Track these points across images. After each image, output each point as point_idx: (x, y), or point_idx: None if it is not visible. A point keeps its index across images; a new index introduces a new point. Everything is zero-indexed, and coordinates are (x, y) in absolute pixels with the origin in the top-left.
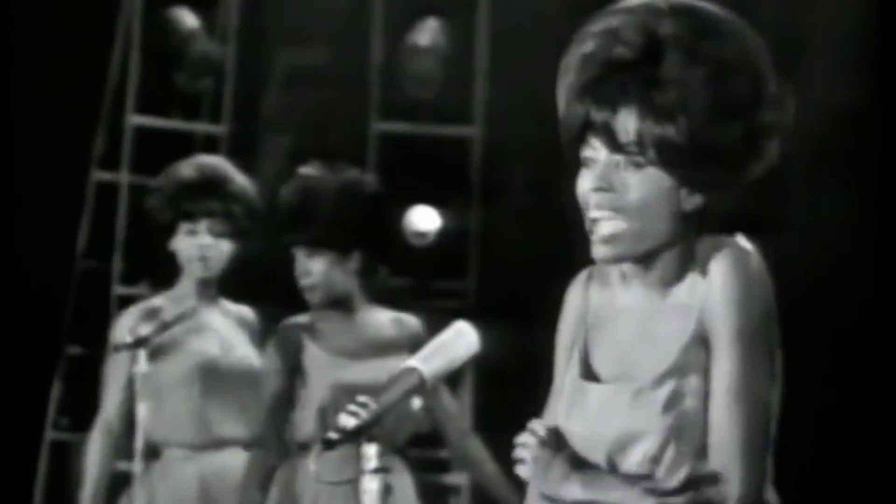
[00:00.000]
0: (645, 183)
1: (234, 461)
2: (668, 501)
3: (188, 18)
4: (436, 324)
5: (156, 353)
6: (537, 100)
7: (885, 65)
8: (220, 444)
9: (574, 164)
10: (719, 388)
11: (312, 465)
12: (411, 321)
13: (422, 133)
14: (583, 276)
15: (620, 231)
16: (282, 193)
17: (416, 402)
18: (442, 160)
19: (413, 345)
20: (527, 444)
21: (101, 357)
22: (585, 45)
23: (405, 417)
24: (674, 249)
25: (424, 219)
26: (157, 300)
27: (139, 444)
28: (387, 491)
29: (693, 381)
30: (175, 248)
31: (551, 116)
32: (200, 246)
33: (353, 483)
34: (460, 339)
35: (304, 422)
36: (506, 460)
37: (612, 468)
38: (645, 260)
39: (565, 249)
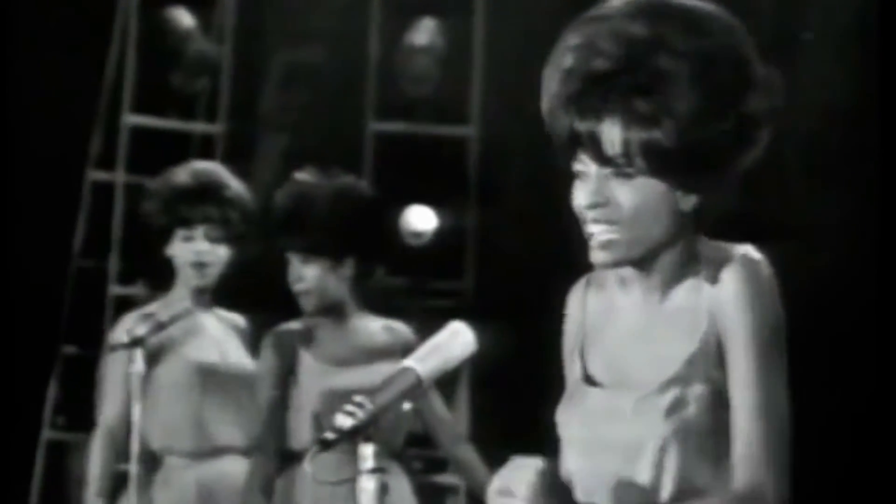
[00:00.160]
0: (639, 192)
1: (233, 468)
2: None
3: (184, 18)
4: (432, 324)
5: (153, 359)
6: (534, 99)
7: (885, 63)
8: (218, 451)
9: (569, 176)
10: (747, 401)
11: (308, 465)
12: (403, 329)
13: (419, 133)
14: (582, 281)
15: (618, 238)
16: (276, 199)
17: (406, 404)
18: (439, 160)
19: (405, 352)
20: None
21: (98, 357)
22: (564, 59)
23: (401, 419)
24: (673, 250)
25: (421, 218)
26: (153, 306)
27: (135, 445)
28: (383, 491)
29: (697, 389)
30: (171, 254)
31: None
32: (197, 252)
33: (350, 483)
34: (456, 340)
35: (298, 428)
36: (501, 461)
37: (614, 475)
38: (644, 263)
39: (562, 249)
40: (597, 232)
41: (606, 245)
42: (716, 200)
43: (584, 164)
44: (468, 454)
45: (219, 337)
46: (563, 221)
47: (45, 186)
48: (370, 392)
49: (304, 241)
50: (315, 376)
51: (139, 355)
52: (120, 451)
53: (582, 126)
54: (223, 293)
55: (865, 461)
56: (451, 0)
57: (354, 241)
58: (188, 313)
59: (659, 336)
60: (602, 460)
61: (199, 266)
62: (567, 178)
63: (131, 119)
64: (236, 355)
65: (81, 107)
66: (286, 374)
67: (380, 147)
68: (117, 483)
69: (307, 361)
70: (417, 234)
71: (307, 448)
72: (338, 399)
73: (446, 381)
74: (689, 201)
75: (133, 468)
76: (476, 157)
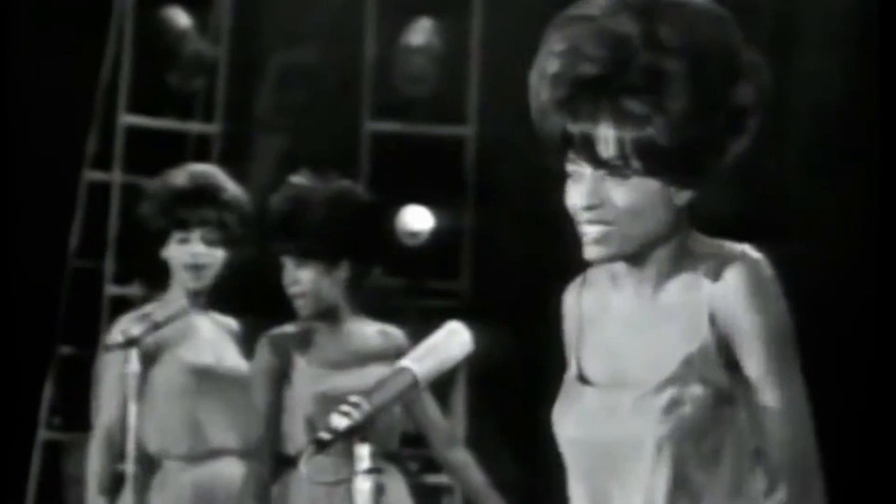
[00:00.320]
0: (634, 192)
1: (229, 470)
2: None
3: (181, 18)
4: (429, 324)
5: (149, 361)
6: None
7: (885, 61)
8: (214, 453)
9: (561, 176)
10: (778, 408)
11: (303, 466)
12: (397, 333)
13: (415, 132)
14: (577, 281)
15: (612, 234)
16: (271, 202)
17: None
18: (435, 160)
19: (398, 356)
20: None
21: (94, 357)
22: (550, 64)
23: (395, 419)
24: (667, 245)
25: (418, 218)
26: (148, 308)
27: (130, 446)
28: (379, 491)
29: (695, 390)
30: (167, 256)
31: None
32: (193, 254)
33: (346, 484)
34: (453, 340)
35: (292, 432)
36: (496, 461)
37: (608, 476)
38: (637, 258)
39: (559, 249)
40: (592, 231)
41: (600, 240)
42: (707, 192)
43: (578, 165)
44: (461, 457)
45: (214, 339)
46: (560, 221)
47: (41, 186)
48: (365, 393)
49: (300, 245)
50: (309, 380)
51: (134, 355)
52: (119, 451)
53: (575, 129)
54: (219, 296)
55: (865, 463)
56: (448, 0)
57: (349, 245)
58: (184, 313)
59: (653, 333)
60: (597, 459)
61: (195, 268)
62: (564, 179)
63: (128, 119)
64: (231, 358)
65: (78, 107)
66: (280, 378)
67: (376, 147)
68: (117, 483)
69: (301, 365)
70: (414, 234)
71: (301, 452)
72: (331, 402)
73: (443, 382)
74: (682, 196)
75: (129, 468)
76: (473, 157)
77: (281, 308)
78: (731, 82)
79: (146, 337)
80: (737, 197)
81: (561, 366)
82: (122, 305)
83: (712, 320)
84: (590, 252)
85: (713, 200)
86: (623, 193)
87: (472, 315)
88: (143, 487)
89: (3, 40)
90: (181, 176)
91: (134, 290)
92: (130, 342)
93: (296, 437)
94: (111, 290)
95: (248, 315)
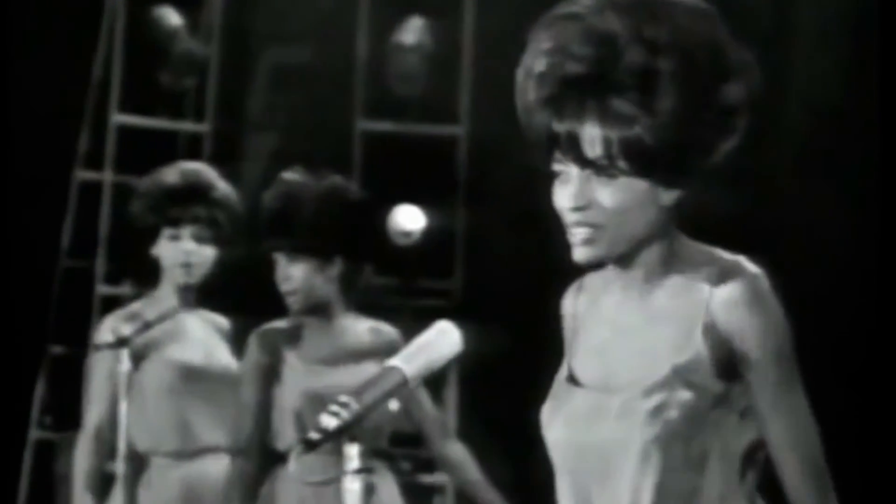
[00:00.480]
0: (621, 192)
1: (218, 468)
2: None
3: (172, 17)
4: (421, 323)
5: (138, 359)
6: None
7: (884, 61)
8: (203, 451)
9: (548, 176)
10: (789, 431)
11: (292, 465)
12: (389, 330)
13: (407, 132)
14: (574, 285)
15: (599, 235)
16: (263, 198)
17: (393, 404)
18: (427, 159)
19: (389, 354)
20: None
21: (84, 356)
22: (536, 63)
23: (384, 418)
24: (654, 247)
25: (409, 218)
26: (138, 305)
27: (122, 445)
28: (369, 491)
29: (684, 395)
30: (158, 254)
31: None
32: (184, 252)
33: (335, 483)
34: (443, 339)
35: (282, 428)
36: (486, 460)
37: (595, 478)
38: (625, 259)
39: (550, 249)
40: (579, 232)
41: (588, 242)
42: (696, 193)
43: (564, 165)
44: (457, 451)
45: (203, 337)
46: (552, 221)
47: (32, 185)
48: (356, 388)
49: (291, 241)
50: (299, 376)
51: (125, 355)
52: (107, 450)
53: (560, 128)
54: (210, 293)
55: (865, 468)
56: None
57: (341, 241)
58: (174, 312)
59: (642, 336)
60: (584, 461)
61: (186, 266)
62: (554, 179)
63: (119, 118)
64: (221, 356)
65: (69, 106)
66: (270, 375)
67: (368, 146)
68: (105, 483)
69: (292, 361)
70: (406, 234)
71: (290, 448)
72: (321, 399)
73: (434, 380)
74: (670, 196)
75: (120, 467)
76: (465, 156)
77: (272, 305)
78: (720, 81)
79: (137, 337)
80: (735, 198)
81: (552, 366)
82: (114, 305)
83: (708, 331)
84: (578, 254)
85: (710, 202)
86: (610, 194)
87: (464, 314)
88: (132, 486)
89: None
90: (172, 174)
91: (125, 289)
92: (121, 342)
93: (285, 433)
94: (102, 289)
95: (240, 312)
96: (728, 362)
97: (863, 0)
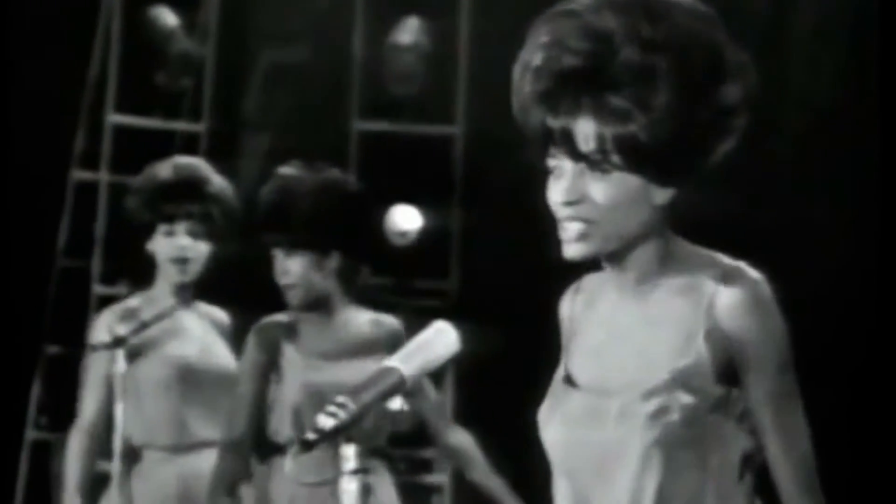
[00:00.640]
0: (614, 187)
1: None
2: None
3: (168, 17)
4: (417, 324)
5: (134, 356)
6: None
7: (884, 63)
8: (199, 445)
9: (543, 172)
10: (786, 441)
11: (289, 466)
12: (391, 322)
13: (403, 132)
14: (572, 287)
15: (591, 231)
16: (261, 193)
17: (400, 404)
18: (423, 159)
19: (391, 345)
20: None
21: (81, 356)
22: (533, 57)
23: (383, 418)
24: (647, 246)
25: (406, 218)
26: (134, 301)
27: (117, 444)
28: (366, 492)
29: (684, 398)
30: (152, 249)
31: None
32: (178, 247)
33: (332, 484)
34: (440, 339)
35: (280, 423)
36: (487, 459)
37: (592, 479)
38: (617, 258)
39: (547, 249)
40: (571, 228)
41: (580, 238)
42: (690, 193)
43: (558, 160)
44: (463, 440)
45: (200, 333)
46: (549, 221)
47: (29, 185)
48: (353, 388)
49: (288, 236)
50: (299, 370)
51: (121, 355)
52: (98, 448)
53: (555, 123)
54: (209, 288)
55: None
56: None
57: (339, 234)
58: (171, 312)
59: (639, 339)
60: (581, 462)
61: (180, 262)
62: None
63: (115, 118)
64: (218, 352)
65: (65, 106)
66: (268, 370)
67: (364, 146)
68: (95, 481)
69: (292, 355)
70: (402, 234)
71: (287, 442)
72: (322, 394)
73: (431, 380)
74: (664, 194)
75: (115, 467)
76: (461, 156)
77: (273, 300)
78: (716, 81)
79: (133, 337)
80: (733, 198)
81: (549, 366)
82: (110, 305)
83: (710, 336)
84: (569, 250)
85: (709, 202)
86: (603, 189)
87: (461, 314)
88: (125, 478)
89: None
90: (166, 169)
91: (121, 289)
92: (117, 342)
93: (284, 427)
94: (98, 289)
95: (240, 306)
96: (729, 367)
97: (862, 0)
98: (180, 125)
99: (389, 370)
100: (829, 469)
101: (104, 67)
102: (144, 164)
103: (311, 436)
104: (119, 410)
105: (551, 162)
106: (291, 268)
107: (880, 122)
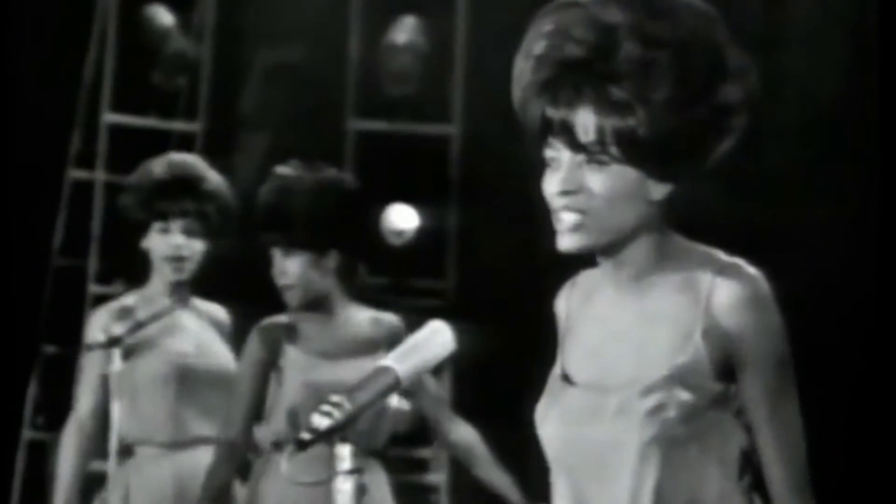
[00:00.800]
0: (610, 179)
1: (209, 459)
2: None
3: (164, 16)
4: (414, 323)
5: (130, 353)
6: None
7: (884, 63)
8: (195, 442)
9: (540, 164)
10: (780, 439)
11: (284, 465)
12: (391, 320)
13: (400, 131)
14: (568, 284)
15: (586, 223)
16: (259, 193)
17: (400, 402)
18: (420, 158)
19: (392, 344)
20: None
21: (77, 356)
22: (536, 45)
23: (383, 417)
24: (642, 242)
25: (402, 217)
26: (129, 299)
27: (113, 443)
28: (361, 492)
29: (682, 396)
30: (147, 247)
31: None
32: (173, 245)
33: (326, 484)
34: (436, 338)
35: (278, 421)
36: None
37: (590, 476)
38: (612, 252)
39: (544, 248)
40: (566, 219)
41: (574, 230)
42: (688, 190)
43: (556, 151)
44: (467, 433)
45: (196, 331)
46: (545, 220)
47: (25, 185)
48: (348, 388)
49: (286, 236)
50: (300, 370)
51: (117, 355)
52: (92, 447)
53: (555, 114)
54: (208, 286)
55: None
56: None
57: (337, 233)
58: (167, 311)
59: (637, 336)
60: (579, 459)
61: (176, 260)
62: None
63: (111, 118)
64: (214, 349)
65: (61, 105)
66: (268, 370)
67: (361, 145)
68: (90, 482)
69: (293, 355)
70: (399, 233)
71: (284, 441)
72: (322, 393)
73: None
74: (661, 189)
75: (112, 467)
76: (458, 155)
77: (273, 298)
78: (716, 79)
79: (129, 336)
80: (733, 198)
81: (545, 364)
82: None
83: (708, 333)
84: (563, 242)
85: (709, 201)
86: (600, 181)
87: (458, 314)
88: (124, 477)
89: None
90: (160, 166)
91: (116, 288)
92: (113, 341)
93: (280, 427)
94: (94, 288)
95: (240, 305)
96: (727, 364)
97: (862, 0)
98: (176, 125)
99: (385, 370)
100: (828, 468)
101: (100, 66)
102: (140, 163)
103: (305, 435)
104: (115, 410)
105: (549, 153)
106: (290, 268)
107: (880, 122)
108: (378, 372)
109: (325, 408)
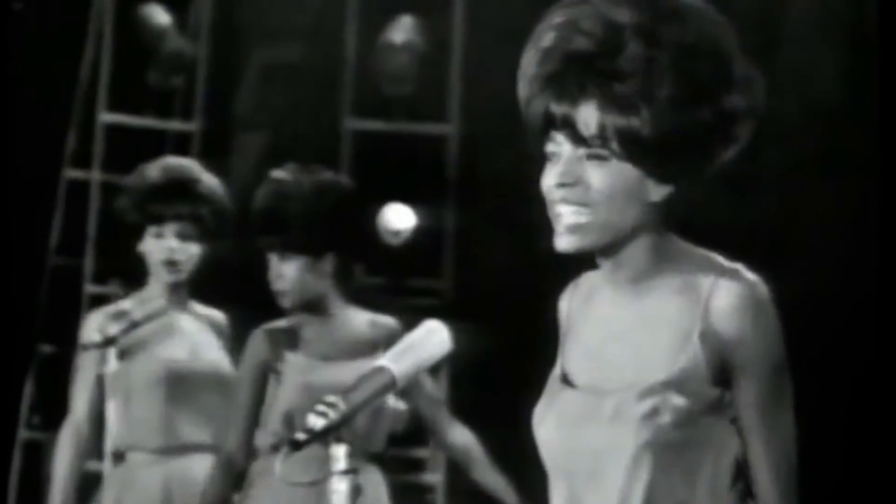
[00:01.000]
0: (610, 175)
1: (200, 466)
2: None
3: (160, 15)
4: (411, 323)
5: (125, 355)
6: (513, 97)
7: (884, 63)
8: (185, 449)
9: (540, 159)
10: (770, 446)
11: (279, 466)
12: (389, 322)
13: (397, 131)
14: (572, 284)
15: (585, 222)
16: (254, 197)
17: (396, 403)
18: (417, 158)
19: (389, 346)
20: None
21: (73, 356)
22: (545, 38)
23: (380, 420)
24: (641, 243)
25: (399, 217)
26: (127, 303)
27: (109, 443)
28: (356, 492)
29: (678, 400)
30: (143, 251)
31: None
32: (167, 249)
33: (321, 484)
34: (432, 338)
35: (275, 423)
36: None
37: (586, 480)
38: (611, 253)
39: (541, 248)
40: (564, 213)
41: (573, 230)
42: (688, 194)
43: (557, 145)
44: (464, 436)
45: (191, 335)
46: (542, 220)
47: (21, 184)
48: (343, 392)
49: (281, 240)
50: (298, 372)
51: (112, 355)
52: (88, 448)
53: (558, 109)
54: (205, 289)
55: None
56: None
57: (333, 237)
58: (162, 312)
59: (635, 339)
60: (575, 462)
61: (170, 263)
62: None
63: (107, 117)
64: (209, 354)
65: (57, 105)
66: (269, 374)
67: (357, 145)
68: (86, 483)
69: (292, 359)
70: (396, 233)
71: (280, 442)
72: (315, 394)
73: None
74: (661, 191)
75: (106, 467)
76: (454, 155)
77: (271, 301)
78: (721, 85)
79: (124, 336)
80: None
81: (542, 365)
82: (102, 304)
83: (705, 337)
84: (561, 242)
85: (709, 203)
86: (599, 175)
87: (454, 313)
88: (114, 485)
89: None
90: (155, 170)
91: (113, 288)
92: (108, 341)
93: (277, 428)
94: (90, 288)
95: (237, 308)
96: (723, 369)
97: (862, 0)
98: (173, 124)
99: (380, 370)
100: (827, 470)
101: (96, 66)
102: (136, 162)
103: (301, 436)
104: (110, 410)
105: (550, 147)
106: (286, 272)
107: (880, 121)
108: (374, 372)
109: (321, 408)
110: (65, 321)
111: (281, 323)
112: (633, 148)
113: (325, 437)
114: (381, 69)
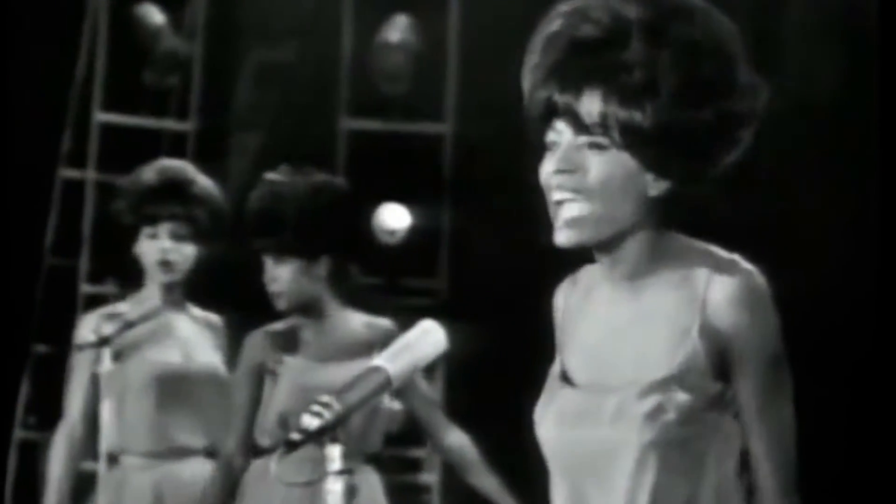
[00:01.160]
0: (609, 164)
1: (192, 470)
2: None
3: (155, 15)
4: (406, 322)
5: (119, 356)
6: (509, 96)
7: (884, 63)
8: (177, 452)
9: (539, 150)
10: (771, 436)
11: (274, 466)
12: (385, 324)
13: (392, 130)
14: (569, 279)
15: (583, 214)
16: (249, 199)
17: (391, 403)
18: (413, 157)
19: (384, 347)
20: None
21: (68, 355)
22: (552, 25)
23: (376, 420)
24: (639, 239)
25: (395, 216)
26: (123, 305)
27: (104, 443)
28: (351, 492)
29: (681, 397)
30: (138, 253)
31: (523, 113)
32: (161, 250)
33: (316, 485)
34: (427, 338)
35: (270, 424)
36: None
37: (588, 478)
38: (610, 249)
39: (536, 247)
40: (561, 200)
41: (572, 224)
42: (687, 193)
43: (558, 134)
44: (459, 439)
45: (186, 337)
46: (539, 219)
47: (16, 184)
48: (337, 392)
49: (275, 243)
50: (294, 374)
51: (107, 355)
52: (83, 448)
53: (560, 98)
54: (198, 291)
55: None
56: None
57: (328, 239)
58: (157, 312)
59: (635, 336)
60: (576, 460)
61: (165, 264)
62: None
63: (102, 117)
64: (204, 356)
65: (52, 104)
66: (265, 376)
67: (353, 144)
68: (81, 482)
69: (288, 361)
70: (391, 232)
71: (276, 443)
72: (310, 396)
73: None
74: (659, 187)
75: (101, 468)
76: (450, 154)
77: (267, 303)
78: (724, 87)
79: (118, 336)
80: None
81: (538, 364)
82: (98, 304)
83: (704, 331)
84: (559, 236)
85: (709, 201)
86: (598, 164)
87: (450, 313)
88: (107, 487)
89: None
90: (150, 172)
91: (108, 288)
92: (103, 341)
93: (272, 429)
94: (86, 288)
95: (233, 311)
96: (723, 362)
97: (862, 0)
98: (168, 124)
99: (375, 370)
100: (827, 467)
101: (91, 65)
102: (131, 162)
103: (295, 436)
104: (105, 411)
105: (551, 136)
106: (281, 274)
107: (880, 121)
108: (369, 372)
109: (315, 408)
110: (60, 321)
111: (277, 325)
112: (634, 139)
113: (319, 437)
114: (377, 68)
